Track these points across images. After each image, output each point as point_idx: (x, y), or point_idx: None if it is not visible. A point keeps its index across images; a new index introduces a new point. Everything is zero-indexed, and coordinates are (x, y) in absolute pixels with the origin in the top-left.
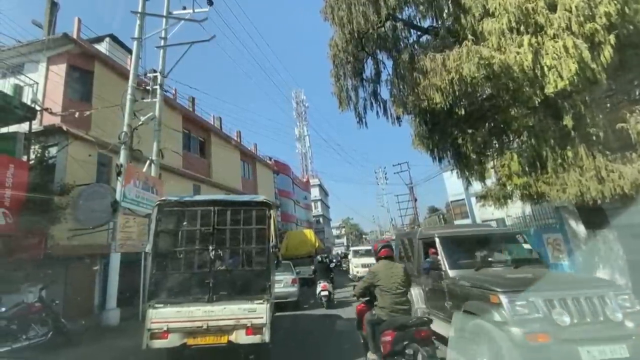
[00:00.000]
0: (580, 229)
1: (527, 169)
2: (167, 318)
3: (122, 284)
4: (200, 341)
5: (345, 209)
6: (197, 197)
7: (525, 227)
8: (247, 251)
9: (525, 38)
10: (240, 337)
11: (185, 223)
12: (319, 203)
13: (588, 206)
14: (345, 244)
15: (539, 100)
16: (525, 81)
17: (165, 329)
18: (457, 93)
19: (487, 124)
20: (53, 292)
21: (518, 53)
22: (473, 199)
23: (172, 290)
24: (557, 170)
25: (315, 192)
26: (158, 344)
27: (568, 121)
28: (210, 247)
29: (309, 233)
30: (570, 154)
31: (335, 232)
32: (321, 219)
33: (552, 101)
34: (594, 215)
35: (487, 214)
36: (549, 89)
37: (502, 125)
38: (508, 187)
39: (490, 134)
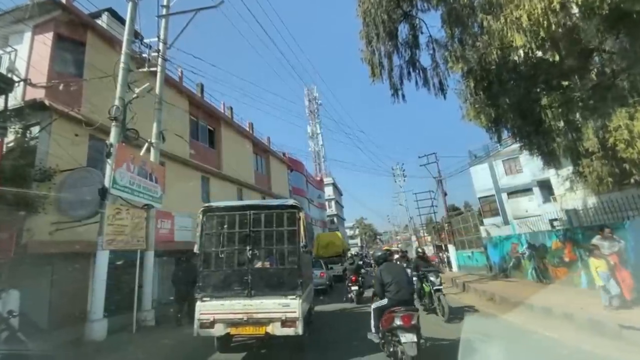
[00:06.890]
0: None
1: None
2: (213, 310)
3: (120, 287)
4: (241, 331)
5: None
6: (235, 203)
7: (613, 220)
8: (279, 251)
9: None
10: (276, 329)
11: (225, 226)
12: (332, 202)
13: None
14: (359, 244)
15: None
16: None
17: (212, 319)
18: (552, 28)
19: (592, 73)
20: (33, 297)
21: None
22: (504, 195)
23: (216, 286)
24: None
25: (329, 191)
26: (206, 332)
27: None
28: (248, 248)
29: (338, 235)
30: None
31: (349, 232)
32: (335, 219)
33: None
34: None
35: (519, 210)
36: None
37: (617, 74)
38: (628, 156)
39: (596, 88)
